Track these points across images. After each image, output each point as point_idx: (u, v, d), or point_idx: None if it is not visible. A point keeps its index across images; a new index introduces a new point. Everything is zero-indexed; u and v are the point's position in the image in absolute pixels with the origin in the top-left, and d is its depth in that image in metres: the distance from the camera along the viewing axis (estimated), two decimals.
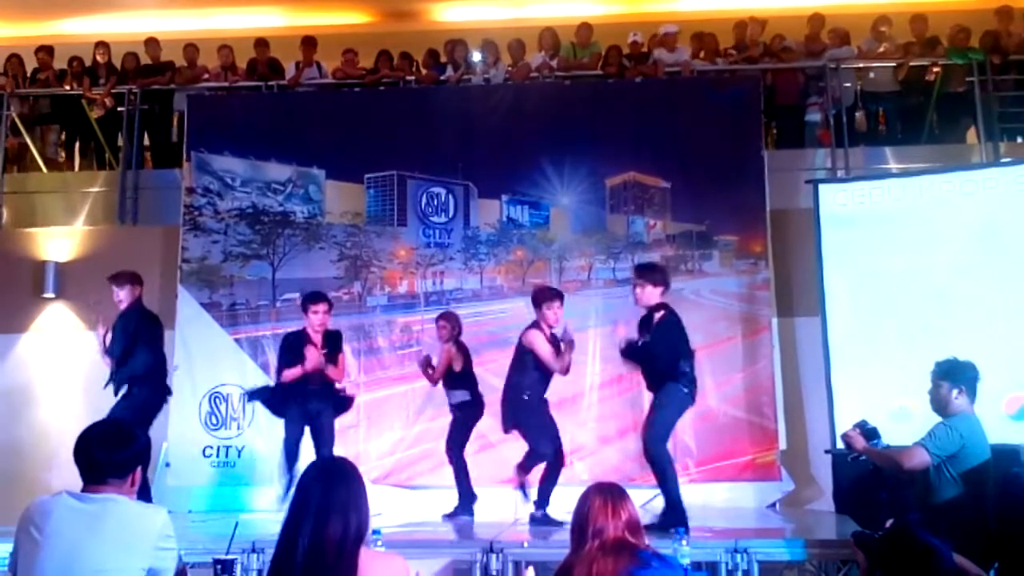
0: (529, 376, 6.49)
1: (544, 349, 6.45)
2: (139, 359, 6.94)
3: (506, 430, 6.67)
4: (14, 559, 3.07)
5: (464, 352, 7.22)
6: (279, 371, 7.08)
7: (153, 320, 7.20)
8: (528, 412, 6.47)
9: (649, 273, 6.19)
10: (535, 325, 6.59)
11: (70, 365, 8.66)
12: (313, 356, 6.85)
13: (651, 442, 5.89)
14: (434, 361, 7.27)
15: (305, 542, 2.67)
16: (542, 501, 6.43)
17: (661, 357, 5.93)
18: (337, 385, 7.18)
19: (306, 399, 6.90)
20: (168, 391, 7.27)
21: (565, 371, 6.55)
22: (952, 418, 4.74)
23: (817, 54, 9.57)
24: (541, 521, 6.31)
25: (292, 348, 7.02)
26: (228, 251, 8.80)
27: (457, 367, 7.14)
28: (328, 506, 2.72)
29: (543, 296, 6.69)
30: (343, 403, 7.20)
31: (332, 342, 7.10)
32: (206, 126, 9.20)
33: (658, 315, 5.99)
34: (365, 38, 10.64)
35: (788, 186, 8.68)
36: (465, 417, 7.14)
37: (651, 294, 6.08)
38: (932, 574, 3.18)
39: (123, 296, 7.12)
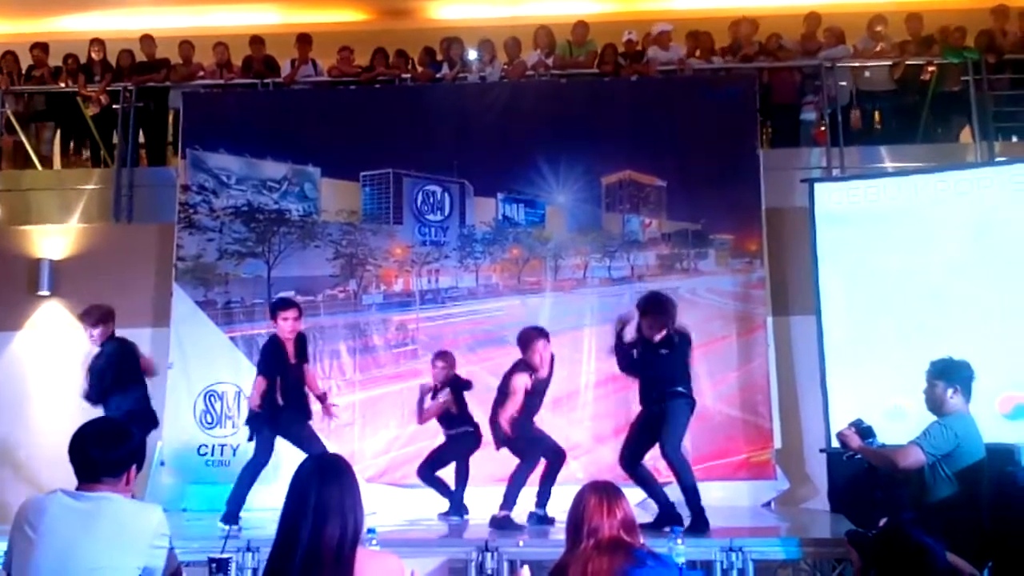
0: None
1: (517, 399, 6.40)
2: (123, 398, 6.87)
3: (498, 447, 6.67)
4: (8, 558, 3.06)
5: (457, 392, 7.21)
6: (260, 375, 6.85)
7: (129, 351, 7.10)
8: (517, 437, 6.46)
9: (659, 315, 6.19)
10: (523, 366, 6.52)
11: (65, 363, 8.63)
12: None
13: (670, 451, 6.03)
14: (438, 397, 7.25)
15: (303, 544, 2.67)
16: (542, 499, 6.45)
17: (674, 370, 6.12)
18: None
19: (275, 417, 6.70)
20: (154, 423, 7.21)
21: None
22: (947, 417, 4.75)
23: (813, 53, 9.58)
24: (537, 520, 6.32)
25: (273, 359, 6.81)
26: (223, 249, 8.78)
27: (454, 410, 7.16)
28: (325, 506, 2.71)
29: (525, 339, 6.59)
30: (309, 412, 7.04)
31: (301, 348, 6.96)
32: (201, 123, 9.19)
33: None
34: (361, 36, 10.62)
35: (783, 185, 8.69)
36: (461, 448, 7.14)
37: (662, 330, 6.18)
38: (926, 573, 3.19)
39: (96, 334, 7.02)
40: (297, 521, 2.71)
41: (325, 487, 2.75)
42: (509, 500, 6.28)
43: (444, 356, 7.38)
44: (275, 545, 2.76)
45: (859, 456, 5.12)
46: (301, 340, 7.00)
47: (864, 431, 4.98)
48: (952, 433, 4.65)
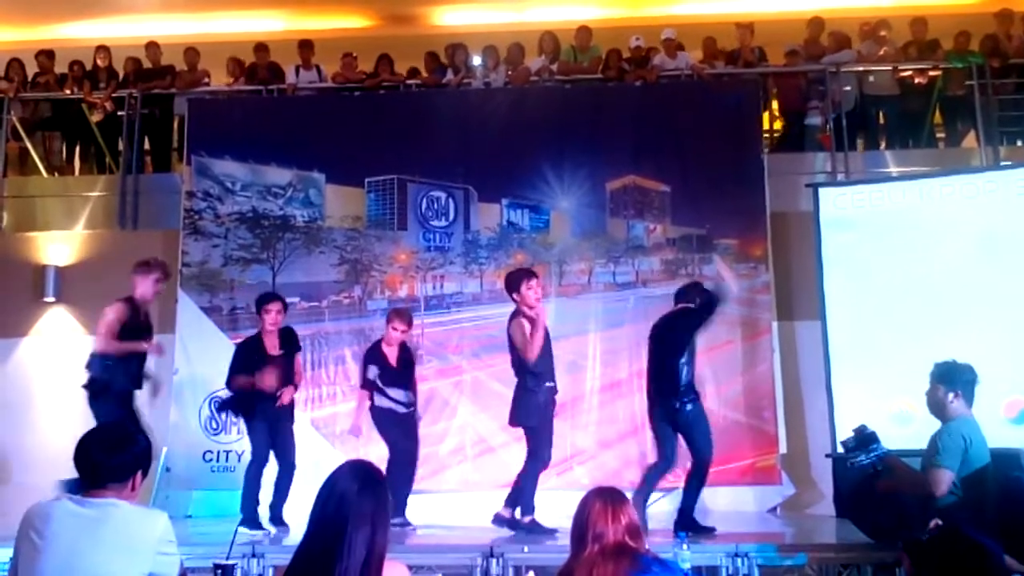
0: (525, 367, 6.31)
1: (518, 337, 6.27)
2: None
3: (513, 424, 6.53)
4: (14, 564, 3.06)
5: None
6: (230, 377, 6.98)
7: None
8: (536, 412, 6.32)
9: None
10: (516, 314, 6.39)
11: (70, 369, 8.62)
12: (270, 380, 6.81)
13: None
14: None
15: (333, 552, 2.58)
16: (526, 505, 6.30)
17: None
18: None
19: (268, 406, 6.85)
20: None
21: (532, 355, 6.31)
22: (952, 423, 4.73)
23: (817, 58, 9.59)
24: (530, 528, 6.19)
25: (246, 355, 7.00)
26: (228, 255, 8.79)
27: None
28: (359, 515, 2.63)
29: (515, 280, 6.46)
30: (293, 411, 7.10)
31: (287, 339, 7.08)
32: (206, 130, 9.21)
33: None
34: (365, 42, 10.66)
35: (788, 189, 8.68)
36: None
37: None
38: (984, 574, 3.10)
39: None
40: (329, 528, 2.62)
41: (362, 496, 2.66)
42: (527, 504, 6.21)
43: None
44: (302, 549, 2.67)
45: (862, 461, 5.06)
46: (287, 333, 7.10)
47: (867, 437, 4.94)
48: (960, 437, 4.63)
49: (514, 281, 6.45)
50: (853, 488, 6.47)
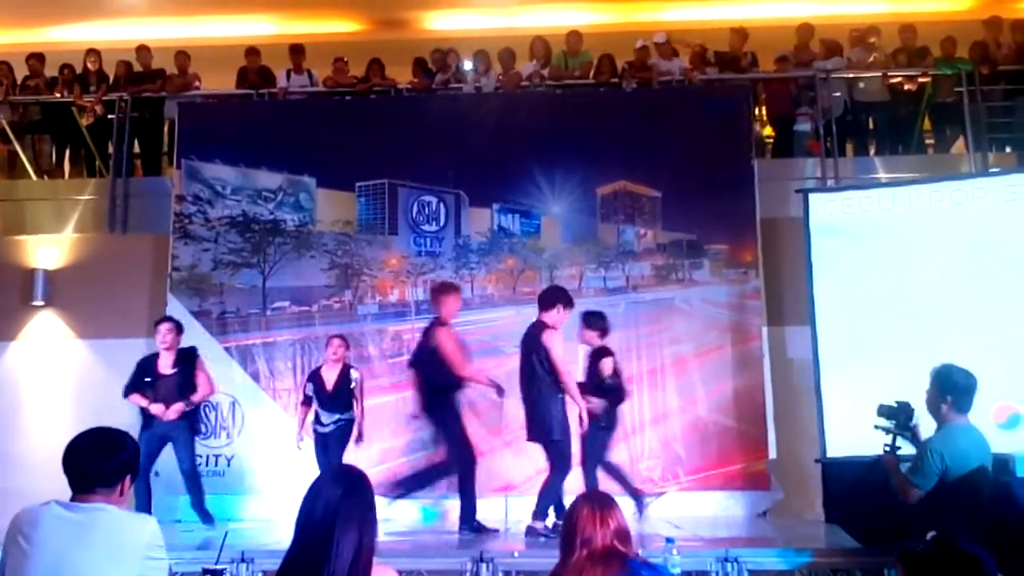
0: (543, 381, 6.33)
1: (559, 351, 6.33)
2: None
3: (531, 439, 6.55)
4: (1, 569, 3.05)
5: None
6: (128, 390, 7.24)
7: None
8: (558, 425, 6.33)
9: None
10: (546, 327, 6.44)
11: (59, 373, 8.63)
12: (158, 411, 7.10)
13: None
14: None
15: (320, 557, 2.58)
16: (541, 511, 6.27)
17: None
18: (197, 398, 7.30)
19: (161, 425, 7.15)
20: None
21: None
22: (936, 437, 4.74)
23: (807, 64, 9.61)
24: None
25: (138, 374, 7.27)
26: (218, 259, 8.78)
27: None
28: (344, 518, 2.63)
29: (550, 298, 6.60)
30: (198, 426, 7.52)
31: (184, 360, 7.30)
32: (197, 134, 9.21)
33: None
34: (356, 46, 10.65)
35: (778, 195, 8.70)
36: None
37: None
38: None
39: None
40: (316, 532, 2.62)
41: (346, 500, 2.67)
42: (542, 510, 6.19)
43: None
44: (290, 554, 2.67)
45: (885, 429, 5.05)
46: (184, 354, 7.36)
47: (908, 416, 4.94)
48: (938, 458, 4.62)
49: (550, 299, 6.57)
50: (842, 493, 6.49)
